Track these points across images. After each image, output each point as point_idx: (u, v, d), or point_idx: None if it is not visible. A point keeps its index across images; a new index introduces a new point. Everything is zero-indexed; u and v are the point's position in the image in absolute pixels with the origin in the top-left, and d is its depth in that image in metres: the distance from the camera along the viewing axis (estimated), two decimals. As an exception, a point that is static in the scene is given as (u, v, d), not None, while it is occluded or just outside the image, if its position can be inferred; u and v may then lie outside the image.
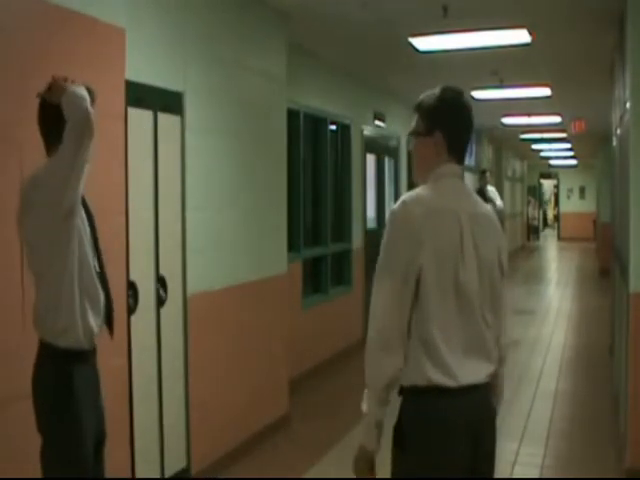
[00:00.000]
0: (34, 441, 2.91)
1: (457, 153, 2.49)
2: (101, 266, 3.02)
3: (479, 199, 2.58)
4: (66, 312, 2.84)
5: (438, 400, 2.35)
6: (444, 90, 2.50)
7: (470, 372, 2.39)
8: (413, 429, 2.38)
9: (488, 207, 2.59)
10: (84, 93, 2.82)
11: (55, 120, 2.84)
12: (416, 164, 2.57)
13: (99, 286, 2.97)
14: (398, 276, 2.33)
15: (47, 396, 2.86)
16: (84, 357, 2.93)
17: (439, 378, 2.34)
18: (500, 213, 13.56)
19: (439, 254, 2.35)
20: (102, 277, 3.01)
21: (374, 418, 2.38)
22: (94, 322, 2.93)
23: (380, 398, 2.36)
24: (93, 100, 2.93)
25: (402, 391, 2.41)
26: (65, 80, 2.87)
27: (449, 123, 2.47)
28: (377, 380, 2.35)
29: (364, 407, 2.39)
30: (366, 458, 2.42)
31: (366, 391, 2.39)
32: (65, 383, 2.84)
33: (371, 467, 2.43)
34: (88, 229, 2.96)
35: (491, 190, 13.43)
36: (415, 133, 2.52)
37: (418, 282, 2.34)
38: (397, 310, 2.33)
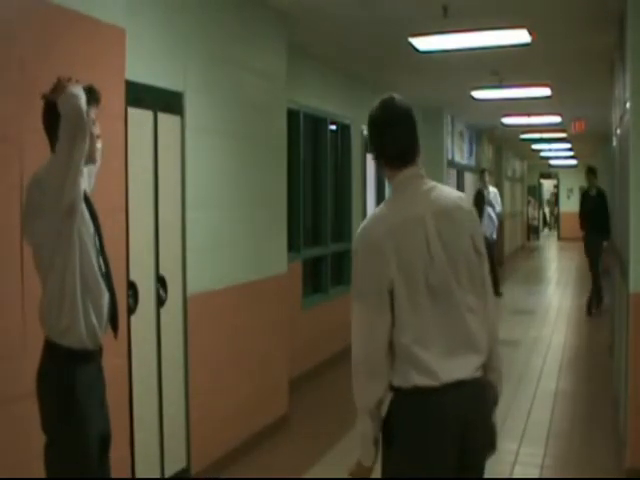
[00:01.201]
0: (37, 440, 2.91)
1: (396, 162, 2.56)
2: (106, 265, 3.01)
3: (444, 190, 2.60)
4: (68, 311, 2.84)
5: (423, 398, 2.42)
6: (370, 112, 2.65)
7: (455, 369, 2.43)
8: (399, 425, 2.44)
9: (458, 194, 2.63)
10: (79, 92, 2.81)
11: (57, 119, 2.83)
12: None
13: (103, 286, 2.95)
14: (373, 300, 2.42)
15: (51, 395, 2.85)
16: (88, 357, 2.92)
17: (423, 381, 2.40)
18: (499, 216, 13.60)
19: (406, 266, 2.41)
20: (107, 277, 3.00)
21: (371, 435, 2.48)
22: (97, 322, 2.92)
23: (372, 416, 2.46)
24: (98, 100, 2.93)
25: (391, 388, 2.48)
26: (69, 80, 2.87)
27: (374, 147, 2.63)
28: (368, 403, 2.45)
29: (359, 427, 2.48)
30: (363, 474, 2.52)
31: (358, 410, 2.48)
32: (69, 383, 2.83)
33: None
34: (92, 228, 2.95)
35: (492, 192, 13.43)
36: None
37: (392, 298, 2.41)
38: (377, 334, 2.42)
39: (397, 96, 2.65)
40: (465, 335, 2.47)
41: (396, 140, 2.57)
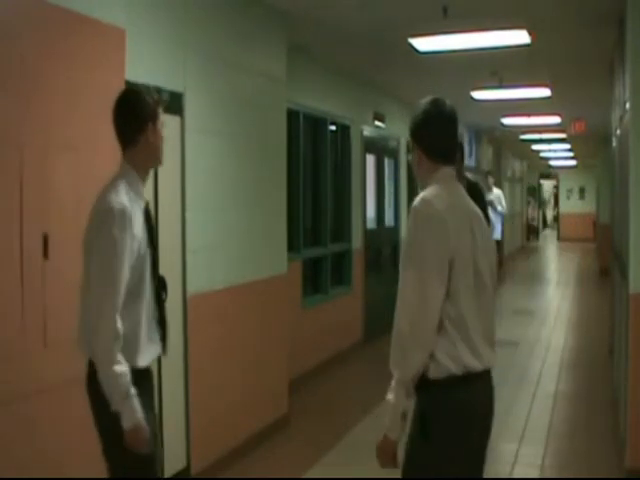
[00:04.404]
0: (38, 441, 2.91)
1: (440, 158, 2.68)
2: (160, 288, 2.98)
3: (470, 200, 2.74)
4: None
5: (468, 387, 2.49)
6: (418, 107, 2.73)
7: (489, 357, 2.57)
8: (442, 419, 2.48)
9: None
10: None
11: (127, 120, 2.86)
12: (414, 171, 2.82)
13: (154, 324, 2.90)
14: (432, 268, 2.45)
15: (104, 419, 2.73)
16: (141, 375, 2.83)
17: (471, 361, 2.49)
18: (502, 217, 13.58)
19: (462, 244, 2.51)
20: (159, 300, 2.96)
21: (401, 409, 2.49)
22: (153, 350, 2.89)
23: (408, 390, 2.48)
24: (165, 102, 2.93)
25: (428, 383, 2.49)
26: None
27: (422, 140, 2.70)
28: (407, 373, 2.46)
29: (391, 398, 2.49)
30: (390, 447, 2.53)
31: (393, 383, 2.49)
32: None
33: (394, 456, 2.54)
34: (149, 258, 2.88)
35: (496, 194, 13.39)
36: (409, 148, 2.74)
37: (450, 270, 2.47)
38: (432, 305, 2.45)
39: (445, 99, 2.76)
40: (491, 327, 2.61)
41: (446, 135, 2.70)
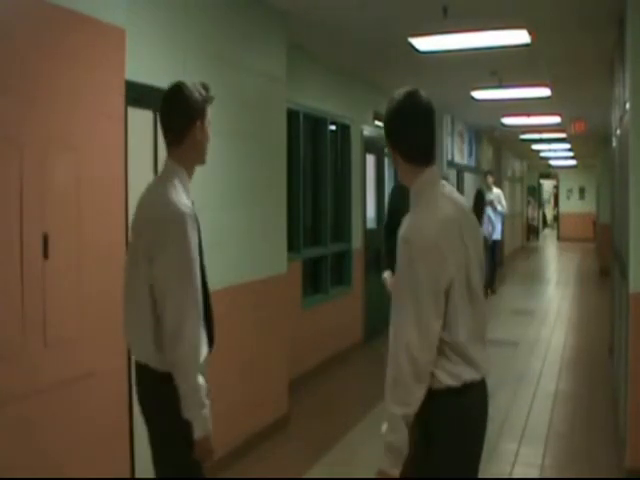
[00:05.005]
0: (35, 441, 2.90)
1: (420, 161, 2.52)
2: (204, 283, 2.94)
3: (459, 197, 2.62)
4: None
5: (467, 395, 2.45)
6: (389, 102, 2.56)
7: (487, 362, 2.55)
8: (443, 426, 2.44)
9: (464, 199, 2.67)
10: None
11: (175, 118, 2.83)
12: (396, 169, 2.69)
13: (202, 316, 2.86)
14: (430, 301, 2.36)
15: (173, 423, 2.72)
16: None
17: (470, 375, 2.45)
18: (503, 217, 13.58)
19: (457, 263, 2.41)
20: (207, 300, 2.92)
21: (406, 445, 2.37)
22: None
23: (409, 424, 2.37)
24: (212, 98, 2.89)
25: (428, 392, 2.43)
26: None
27: (397, 141, 2.53)
28: (412, 409, 2.37)
29: (391, 437, 2.37)
30: None
31: (393, 419, 2.37)
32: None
33: None
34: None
35: (496, 193, 13.38)
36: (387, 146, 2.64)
37: (447, 293, 2.39)
38: (431, 336, 2.37)
39: (420, 90, 2.57)
40: (484, 333, 2.57)
41: (423, 134, 2.52)
